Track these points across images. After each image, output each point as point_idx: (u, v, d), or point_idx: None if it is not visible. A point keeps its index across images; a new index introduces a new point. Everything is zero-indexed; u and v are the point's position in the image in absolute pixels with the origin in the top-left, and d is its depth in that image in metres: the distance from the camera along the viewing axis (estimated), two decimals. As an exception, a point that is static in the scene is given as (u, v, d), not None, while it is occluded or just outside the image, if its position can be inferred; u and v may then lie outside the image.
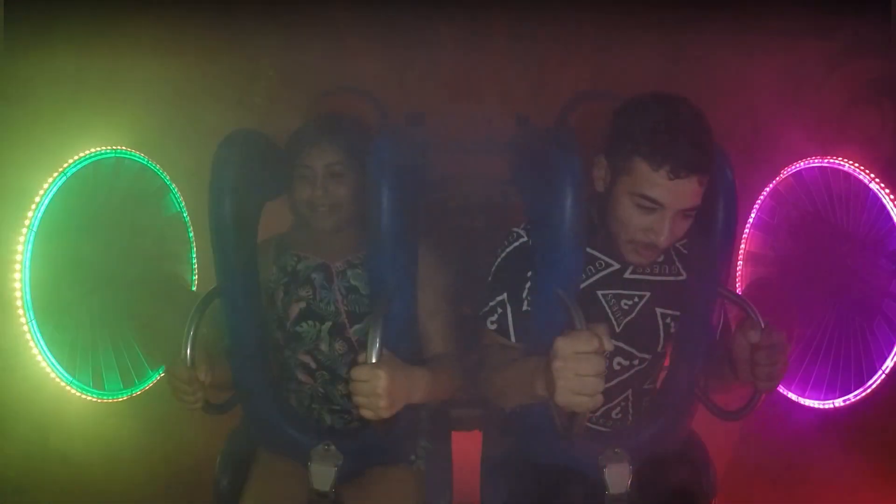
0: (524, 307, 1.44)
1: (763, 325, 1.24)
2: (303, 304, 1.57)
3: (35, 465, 1.75)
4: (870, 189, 1.92)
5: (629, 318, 1.46)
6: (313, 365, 1.59)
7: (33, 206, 1.70)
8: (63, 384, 1.77)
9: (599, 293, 1.45)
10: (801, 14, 2.03)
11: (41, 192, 1.72)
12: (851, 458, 1.99)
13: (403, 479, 1.58)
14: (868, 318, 1.94)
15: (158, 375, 2.08)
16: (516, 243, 1.45)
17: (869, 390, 1.91)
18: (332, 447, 1.49)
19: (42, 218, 1.71)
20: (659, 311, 1.47)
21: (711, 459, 1.60)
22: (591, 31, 2.40)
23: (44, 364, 1.72)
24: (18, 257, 1.66)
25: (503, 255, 1.46)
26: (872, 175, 1.91)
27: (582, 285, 1.41)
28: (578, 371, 1.05)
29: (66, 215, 1.78)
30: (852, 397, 1.95)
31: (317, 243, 1.61)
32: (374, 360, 1.17)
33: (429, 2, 2.35)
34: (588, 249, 1.43)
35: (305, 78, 2.25)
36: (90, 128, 1.86)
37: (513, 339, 1.45)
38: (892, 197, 1.88)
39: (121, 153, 1.97)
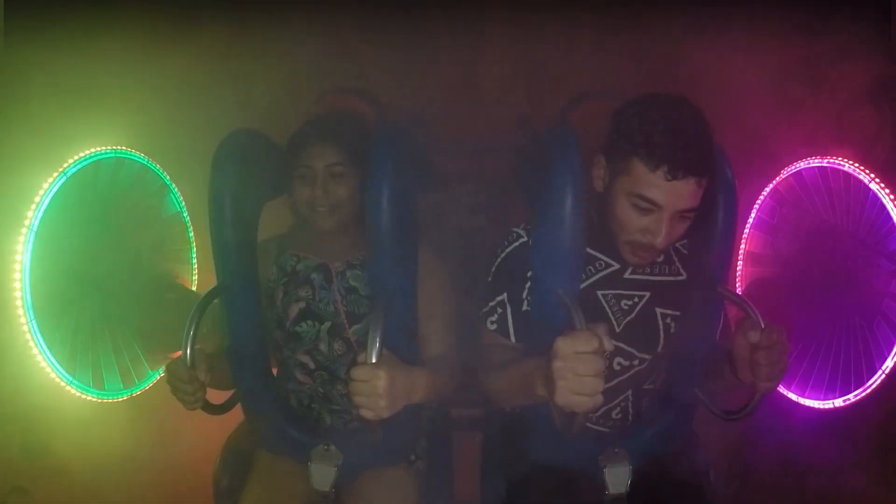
0: (524, 307, 1.44)
1: (763, 325, 1.24)
2: (302, 305, 1.57)
3: (35, 464, 1.75)
4: (870, 189, 1.92)
5: (629, 318, 1.46)
6: (312, 365, 1.59)
7: (33, 207, 1.69)
8: (63, 384, 1.76)
9: (599, 293, 1.45)
10: (800, 14, 2.04)
11: (41, 192, 1.71)
12: (851, 458, 1.99)
13: (403, 479, 1.58)
14: (868, 318, 1.93)
15: (158, 375, 2.08)
16: (516, 243, 1.45)
17: (869, 390, 1.91)
18: (332, 447, 1.50)
19: (42, 218, 1.71)
20: (659, 311, 1.47)
21: (711, 459, 1.60)
22: (590, 31, 2.41)
23: (44, 364, 1.71)
24: (18, 257, 1.66)
25: (503, 255, 1.46)
26: (872, 175, 1.91)
27: (582, 285, 1.41)
28: (578, 371, 1.05)
29: (66, 215, 1.78)
30: (852, 397, 1.95)
31: (316, 244, 1.61)
32: (373, 360, 1.17)
33: (429, 2, 2.36)
34: (588, 249, 1.43)
35: (305, 78, 2.25)
36: (90, 128, 1.86)
37: (513, 339, 1.45)
38: (892, 197, 1.87)
39: (121, 153, 1.96)
